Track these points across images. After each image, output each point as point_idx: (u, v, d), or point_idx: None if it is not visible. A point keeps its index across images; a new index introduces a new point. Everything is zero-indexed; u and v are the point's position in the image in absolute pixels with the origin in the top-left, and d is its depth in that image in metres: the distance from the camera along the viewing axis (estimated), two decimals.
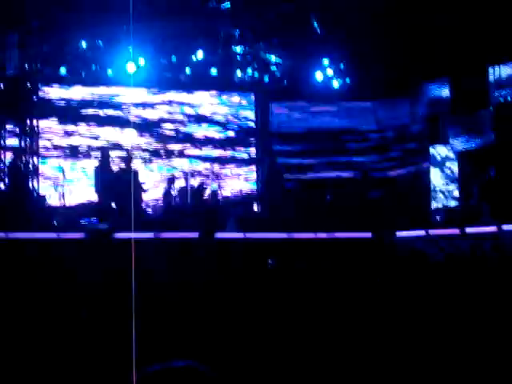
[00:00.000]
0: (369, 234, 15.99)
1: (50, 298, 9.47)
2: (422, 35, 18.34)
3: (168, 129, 20.18)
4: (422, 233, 16.24)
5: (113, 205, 16.89)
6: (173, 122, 20.23)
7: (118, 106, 19.59)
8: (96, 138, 19.37)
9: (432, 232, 16.23)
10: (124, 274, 10.40)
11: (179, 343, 8.05)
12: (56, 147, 19.05)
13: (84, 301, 9.39)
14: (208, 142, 20.51)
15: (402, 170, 20.11)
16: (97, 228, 14.45)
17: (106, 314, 8.96)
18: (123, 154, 18.68)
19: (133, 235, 9.63)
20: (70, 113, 19.22)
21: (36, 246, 12.54)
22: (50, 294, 9.68)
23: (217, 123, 20.63)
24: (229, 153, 20.68)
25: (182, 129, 20.32)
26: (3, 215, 15.69)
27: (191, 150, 20.31)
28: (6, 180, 17.33)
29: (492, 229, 15.58)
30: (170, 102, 20.21)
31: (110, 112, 19.55)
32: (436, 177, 19.13)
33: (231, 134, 20.78)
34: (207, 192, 18.88)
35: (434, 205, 18.98)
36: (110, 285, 9.63)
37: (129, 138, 19.50)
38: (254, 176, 20.93)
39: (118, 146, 19.27)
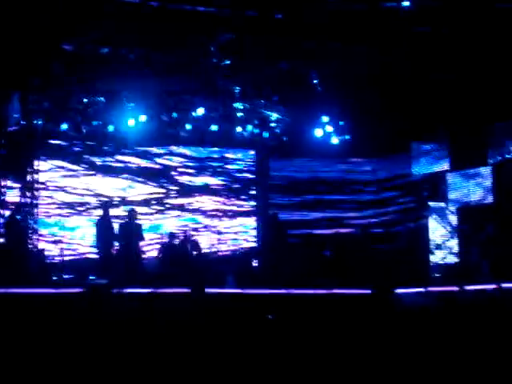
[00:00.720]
0: (368, 291, 15.92)
1: (48, 353, 9.44)
2: (421, 93, 18.48)
3: (166, 181, 20.30)
4: (420, 290, 16.17)
5: (112, 259, 16.92)
6: (170, 175, 20.43)
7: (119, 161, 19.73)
8: (96, 193, 19.46)
9: (431, 289, 16.16)
10: (122, 327, 10.45)
11: None
12: (56, 202, 19.11)
13: (84, 354, 9.37)
14: (208, 194, 20.62)
15: (401, 226, 20.10)
16: (95, 283, 14.44)
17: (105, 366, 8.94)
18: (124, 208, 18.76)
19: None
20: (70, 168, 19.33)
21: (35, 301, 12.49)
22: (48, 348, 9.65)
23: (217, 176, 20.78)
24: (229, 207, 20.73)
25: (182, 180, 20.42)
26: (2, 270, 15.68)
27: (191, 204, 20.39)
28: (6, 235, 17.35)
29: (491, 286, 15.51)
30: (170, 153, 20.43)
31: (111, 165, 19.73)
32: (435, 233, 19.12)
33: (231, 187, 20.91)
34: (205, 246, 18.91)
35: (433, 261, 18.95)
36: (108, 338, 9.62)
37: (129, 192, 19.62)
38: (253, 231, 20.98)
39: (118, 200, 19.36)
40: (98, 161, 19.75)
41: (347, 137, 20.48)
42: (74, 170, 19.51)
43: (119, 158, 19.97)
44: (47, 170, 19.09)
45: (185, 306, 12.66)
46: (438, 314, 14.20)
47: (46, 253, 18.17)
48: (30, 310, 11.83)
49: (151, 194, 20.17)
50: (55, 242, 18.51)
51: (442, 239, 19.10)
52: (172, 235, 18.76)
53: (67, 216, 19.26)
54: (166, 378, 8.73)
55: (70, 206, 19.31)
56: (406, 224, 20.00)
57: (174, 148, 20.53)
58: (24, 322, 11.38)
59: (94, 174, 19.66)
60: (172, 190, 20.43)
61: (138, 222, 18.01)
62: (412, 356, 10.56)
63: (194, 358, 9.44)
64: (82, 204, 19.43)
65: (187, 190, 20.52)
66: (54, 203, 19.17)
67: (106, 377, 8.82)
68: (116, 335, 9.73)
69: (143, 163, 20.22)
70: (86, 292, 12.52)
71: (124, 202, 19.51)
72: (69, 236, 18.96)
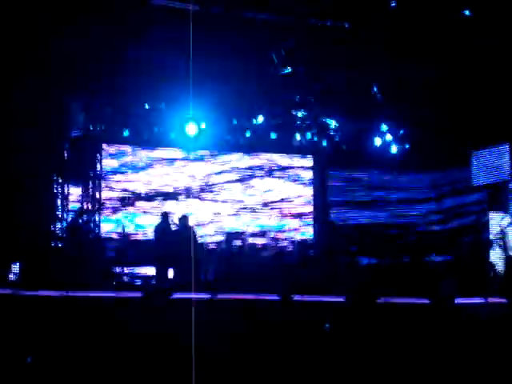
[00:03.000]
0: (427, 300, 15.66)
1: (105, 357, 9.43)
2: (481, 103, 18.19)
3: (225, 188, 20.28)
4: (481, 300, 15.84)
5: (172, 265, 16.89)
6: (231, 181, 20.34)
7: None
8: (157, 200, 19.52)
9: (491, 300, 15.82)
10: (180, 332, 10.39)
11: None
12: (117, 208, 19.19)
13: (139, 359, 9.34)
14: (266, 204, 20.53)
15: (463, 237, 19.77)
16: (155, 287, 14.43)
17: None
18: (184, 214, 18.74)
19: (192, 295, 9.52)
20: (132, 173, 19.41)
21: (95, 305, 12.49)
22: (105, 351, 9.64)
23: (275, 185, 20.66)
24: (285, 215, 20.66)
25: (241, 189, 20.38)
26: (64, 273, 15.76)
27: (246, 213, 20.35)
28: (68, 239, 17.46)
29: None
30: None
31: (171, 172, 19.74)
32: (496, 244, 18.77)
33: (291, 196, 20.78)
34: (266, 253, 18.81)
35: (494, 272, 18.58)
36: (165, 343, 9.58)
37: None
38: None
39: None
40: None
41: (407, 146, 20.22)
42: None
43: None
44: (109, 176, 19.15)
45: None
46: (498, 325, 13.92)
47: (107, 256, 18.17)
48: (90, 313, 11.83)
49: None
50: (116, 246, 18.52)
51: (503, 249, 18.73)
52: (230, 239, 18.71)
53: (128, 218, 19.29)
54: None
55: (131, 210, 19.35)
56: (468, 235, 19.66)
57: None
58: (84, 325, 11.40)
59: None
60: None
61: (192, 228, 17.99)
62: (472, 366, 10.40)
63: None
64: (143, 209, 19.44)
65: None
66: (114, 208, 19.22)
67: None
68: (174, 339, 9.70)
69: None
70: (146, 296, 12.48)
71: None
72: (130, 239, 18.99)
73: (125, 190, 19.32)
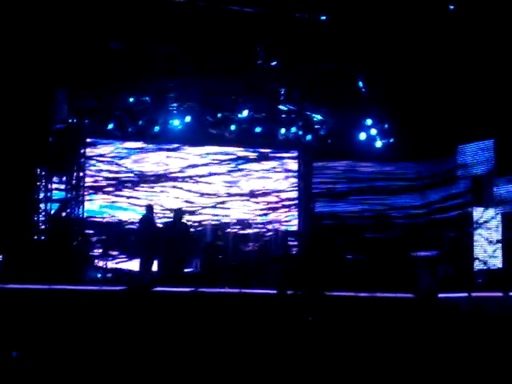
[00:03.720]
0: (411, 295, 15.64)
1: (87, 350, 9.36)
2: (467, 95, 18.15)
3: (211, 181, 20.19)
4: (464, 295, 15.83)
5: (155, 258, 16.80)
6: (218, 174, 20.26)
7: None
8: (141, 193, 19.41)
9: (474, 294, 15.82)
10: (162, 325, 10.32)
11: None
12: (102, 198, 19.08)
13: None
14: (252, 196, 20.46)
15: (446, 231, 19.72)
16: (137, 281, 14.37)
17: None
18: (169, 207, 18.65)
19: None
20: (116, 166, 19.27)
21: (78, 298, 12.41)
22: (87, 344, 9.58)
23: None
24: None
25: (228, 179, 20.31)
26: (46, 267, 15.65)
27: (236, 203, 20.24)
28: (51, 231, 17.33)
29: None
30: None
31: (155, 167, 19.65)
32: (479, 238, 18.75)
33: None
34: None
35: (477, 267, 18.56)
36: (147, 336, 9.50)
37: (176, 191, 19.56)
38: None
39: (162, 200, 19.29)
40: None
41: (391, 140, 20.16)
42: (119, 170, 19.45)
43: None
44: (93, 169, 19.03)
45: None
46: (481, 320, 13.90)
47: (90, 250, 18.04)
48: (72, 307, 11.75)
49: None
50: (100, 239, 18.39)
51: (486, 244, 18.70)
52: (214, 231, 18.62)
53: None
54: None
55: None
56: (451, 228, 19.60)
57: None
58: (66, 318, 11.32)
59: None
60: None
61: (184, 222, 17.88)
62: (456, 359, 10.38)
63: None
64: (127, 202, 19.33)
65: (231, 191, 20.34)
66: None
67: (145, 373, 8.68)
68: (156, 333, 9.62)
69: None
70: (128, 290, 12.41)
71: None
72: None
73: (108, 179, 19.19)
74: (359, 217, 20.68)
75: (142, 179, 19.45)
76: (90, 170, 18.96)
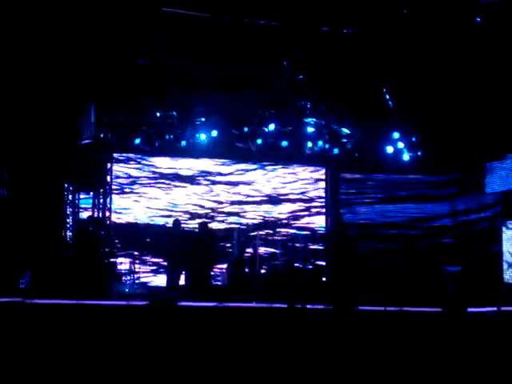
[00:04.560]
0: (440, 309, 15.37)
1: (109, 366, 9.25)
2: (495, 109, 17.91)
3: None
4: (494, 309, 15.55)
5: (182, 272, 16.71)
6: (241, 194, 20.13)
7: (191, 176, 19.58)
8: (168, 207, 19.30)
9: (504, 308, 15.53)
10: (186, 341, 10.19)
11: None
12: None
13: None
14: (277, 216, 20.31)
15: (476, 245, 19.46)
16: (160, 296, 14.25)
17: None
18: (195, 222, 18.53)
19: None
20: (142, 182, 19.20)
21: (103, 313, 12.30)
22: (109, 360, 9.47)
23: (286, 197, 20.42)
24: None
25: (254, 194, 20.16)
26: (74, 282, 15.60)
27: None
28: (78, 246, 17.27)
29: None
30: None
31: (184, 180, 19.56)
32: (509, 253, 18.48)
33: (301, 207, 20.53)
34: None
35: (507, 280, 18.28)
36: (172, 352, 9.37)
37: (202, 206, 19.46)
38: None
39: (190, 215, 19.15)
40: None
41: (419, 153, 19.93)
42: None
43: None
44: (120, 184, 18.98)
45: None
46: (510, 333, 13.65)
47: (118, 266, 17.97)
48: (96, 321, 11.64)
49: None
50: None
51: None
52: (242, 247, 18.45)
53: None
54: None
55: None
56: (481, 244, 19.34)
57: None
58: (91, 333, 11.23)
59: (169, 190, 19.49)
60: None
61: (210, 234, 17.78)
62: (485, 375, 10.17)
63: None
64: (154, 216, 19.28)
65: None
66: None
67: None
68: (178, 350, 9.49)
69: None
70: (151, 305, 12.27)
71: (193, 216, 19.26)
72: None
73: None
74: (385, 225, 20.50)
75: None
76: (116, 184, 18.93)
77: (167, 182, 19.55)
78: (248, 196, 20.24)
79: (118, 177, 18.98)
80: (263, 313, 12.64)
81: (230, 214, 19.92)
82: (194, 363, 9.18)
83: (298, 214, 20.57)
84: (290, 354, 10.61)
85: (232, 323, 11.41)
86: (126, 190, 19.16)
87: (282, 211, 20.46)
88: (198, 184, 19.81)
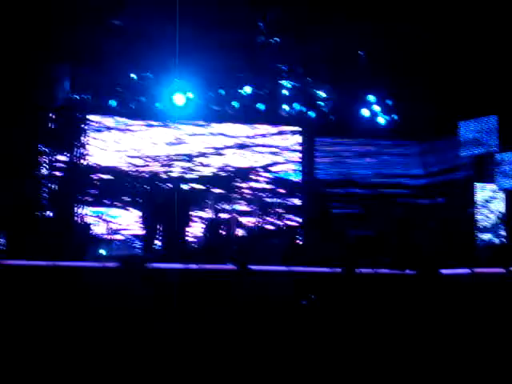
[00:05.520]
0: (413, 271, 15.30)
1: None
2: (470, 72, 17.76)
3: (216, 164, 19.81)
4: (466, 271, 15.50)
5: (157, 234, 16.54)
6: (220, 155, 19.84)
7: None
8: (145, 170, 19.07)
9: (477, 270, 15.48)
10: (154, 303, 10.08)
11: None
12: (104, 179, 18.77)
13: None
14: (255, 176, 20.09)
15: (449, 207, 19.40)
16: (129, 258, 14.15)
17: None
18: (170, 185, 18.28)
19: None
20: (118, 144, 18.95)
21: (72, 275, 12.19)
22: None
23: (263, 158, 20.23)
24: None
25: (228, 162, 19.91)
26: (50, 243, 15.45)
27: (236, 184, 19.87)
28: (53, 208, 17.08)
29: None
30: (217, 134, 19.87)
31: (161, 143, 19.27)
32: (482, 215, 18.42)
33: (277, 169, 20.34)
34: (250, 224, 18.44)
35: (480, 243, 18.24)
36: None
37: (177, 170, 19.21)
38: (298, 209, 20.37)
39: (165, 178, 18.91)
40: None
41: (395, 117, 19.79)
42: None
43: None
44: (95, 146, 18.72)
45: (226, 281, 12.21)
46: (482, 296, 13.62)
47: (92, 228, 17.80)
48: (65, 283, 11.54)
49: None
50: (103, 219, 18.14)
51: (489, 221, 18.37)
52: (217, 210, 18.25)
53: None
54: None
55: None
56: (454, 204, 19.27)
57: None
58: (64, 294, 11.14)
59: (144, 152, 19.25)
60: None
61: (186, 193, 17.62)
62: (457, 337, 10.13)
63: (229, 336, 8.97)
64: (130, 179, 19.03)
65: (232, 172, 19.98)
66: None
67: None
68: (146, 310, 9.39)
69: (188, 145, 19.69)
70: (120, 267, 12.17)
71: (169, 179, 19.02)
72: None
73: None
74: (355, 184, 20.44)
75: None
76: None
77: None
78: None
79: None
80: (233, 274, 12.56)
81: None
82: (162, 324, 9.11)
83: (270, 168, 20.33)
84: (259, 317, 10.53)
85: (200, 285, 11.33)
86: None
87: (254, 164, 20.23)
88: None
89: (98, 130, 18.76)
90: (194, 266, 12.37)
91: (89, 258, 15.57)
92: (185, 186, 18.66)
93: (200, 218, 18.53)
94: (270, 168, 20.32)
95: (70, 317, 10.38)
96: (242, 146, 20.12)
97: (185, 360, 8.57)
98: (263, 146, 20.36)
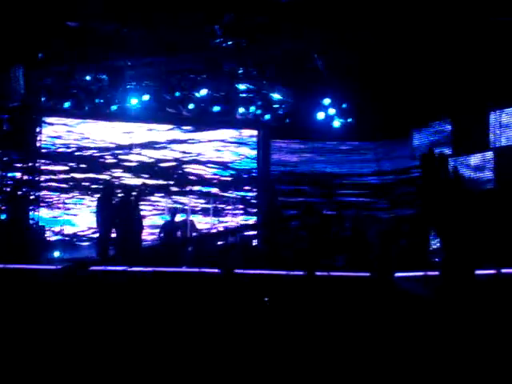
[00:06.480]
0: (366, 274, 15.17)
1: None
2: (423, 78, 17.71)
3: (170, 165, 19.48)
4: (420, 274, 15.40)
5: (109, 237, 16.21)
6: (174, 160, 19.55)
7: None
8: (98, 172, 18.70)
9: (430, 273, 15.40)
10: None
11: None
12: (57, 180, 18.37)
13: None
14: (209, 178, 19.82)
15: (402, 211, 19.32)
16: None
17: None
18: (124, 188, 17.93)
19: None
20: (72, 145, 18.58)
21: (19, 277, 11.92)
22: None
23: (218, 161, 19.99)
24: (229, 192, 19.99)
25: (184, 165, 19.65)
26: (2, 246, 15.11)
27: (193, 187, 19.59)
28: (7, 210, 16.67)
29: (491, 272, 14.73)
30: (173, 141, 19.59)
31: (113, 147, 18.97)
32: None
33: (232, 171, 20.09)
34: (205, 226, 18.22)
35: (433, 246, 18.16)
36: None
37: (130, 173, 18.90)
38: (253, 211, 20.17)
39: (119, 181, 18.57)
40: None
41: (350, 120, 19.69)
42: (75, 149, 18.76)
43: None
44: (49, 147, 18.32)
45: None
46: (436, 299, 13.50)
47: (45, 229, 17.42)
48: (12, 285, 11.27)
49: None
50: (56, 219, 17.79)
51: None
52: (173, 212, 17.94)
53: (68, 191, 18.48)
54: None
55: (72, 183, 18.56)
56: (406, 208, 19.19)
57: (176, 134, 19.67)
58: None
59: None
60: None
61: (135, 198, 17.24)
62: (410, 341, 9.93)
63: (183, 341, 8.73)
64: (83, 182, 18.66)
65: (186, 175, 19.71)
66: (55, 180, 18.42)
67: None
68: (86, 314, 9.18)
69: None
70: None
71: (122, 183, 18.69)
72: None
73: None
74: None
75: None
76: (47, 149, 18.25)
77: None
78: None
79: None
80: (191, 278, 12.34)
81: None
82: (101, 328, 8.85)
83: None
84: (221, 319, 10.31)
85: (145, 287, 11.09)
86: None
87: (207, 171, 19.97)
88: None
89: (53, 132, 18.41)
90: (136, 269, 12.07)
91: (42, 261, 15.21)
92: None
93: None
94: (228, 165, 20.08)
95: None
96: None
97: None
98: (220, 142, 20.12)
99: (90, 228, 17.90)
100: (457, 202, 9.68)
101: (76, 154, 18.64)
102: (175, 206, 18.96)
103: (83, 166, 18.61)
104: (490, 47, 16.38)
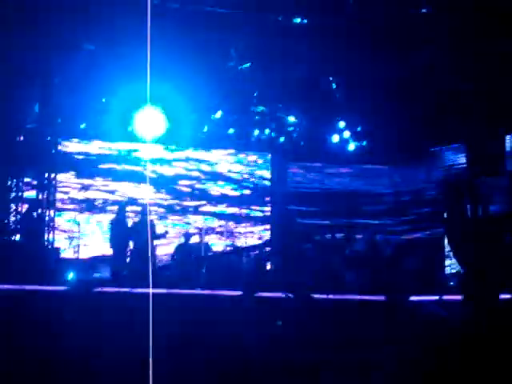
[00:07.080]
0: (382, 297, 14.96)
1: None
2: (440, 101, 17.58)
3: (184, 185, 19.35)
4: (435, 298, 15.19)
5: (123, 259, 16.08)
6: (189, 178, 19.42)
7: (135, 162, 18.89)
8: (112, 193, 18.60)
9: (446, 298, 15.18)
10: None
11: None
12: (72, 200, 18.31)
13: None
14: (223, 199, 19.67)
15: (417, 234, 19.13)
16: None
17: None
18: (139, 208, 17.82)
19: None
20: (87, 167, 18.53)
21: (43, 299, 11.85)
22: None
23: (233, 181, 19.84)
24: (244, 211, 19.80)
25: (198, 186, 19.53)
26: (17, 267, 14.96)
27: (206, 207, 19.45)
28: (22, 231, 16.56)
29: (506, 296, 14.46)
30: (186, 159, 19.44)
31: (128, 167, 18.86)
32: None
33: (247, 192, 19.92)
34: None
35: (449, 270, 17.97)
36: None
37: (145, 193, 18.74)
38: (268, 234, 19.97)
39: (134, 201, 18.43)
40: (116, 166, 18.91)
41: (364, 143, 19.59)
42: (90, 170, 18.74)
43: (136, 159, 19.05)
44: (64, 169, 18.32)
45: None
46: (452, 324, 13.23)
47: (61, 251, 17.32)
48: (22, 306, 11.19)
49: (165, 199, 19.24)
50: (71, 240, 17.66)
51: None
52: (188, 235, 17.78)
53: (84, 212, 18.48)
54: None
55: (87, 204, 18.48)
56: (422, 232, 19.02)
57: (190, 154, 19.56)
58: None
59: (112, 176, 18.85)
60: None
61: (150, 219, 17.13)
62: (425, 365, 9.71)
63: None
64: (98, 203, 18.58)
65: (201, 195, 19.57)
66: (70, 201, 18.36)
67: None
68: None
69: (157, 168, 19.23)
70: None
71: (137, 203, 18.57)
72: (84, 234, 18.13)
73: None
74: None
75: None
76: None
77: None
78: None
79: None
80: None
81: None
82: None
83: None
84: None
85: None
86: None
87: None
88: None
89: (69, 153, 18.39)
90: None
91: (56, 283, 15.08)
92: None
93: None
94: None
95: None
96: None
97: None
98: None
99: (104, 248, 17.79)
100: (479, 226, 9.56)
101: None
102: (190, 228, 18.84)
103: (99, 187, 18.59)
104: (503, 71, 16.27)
